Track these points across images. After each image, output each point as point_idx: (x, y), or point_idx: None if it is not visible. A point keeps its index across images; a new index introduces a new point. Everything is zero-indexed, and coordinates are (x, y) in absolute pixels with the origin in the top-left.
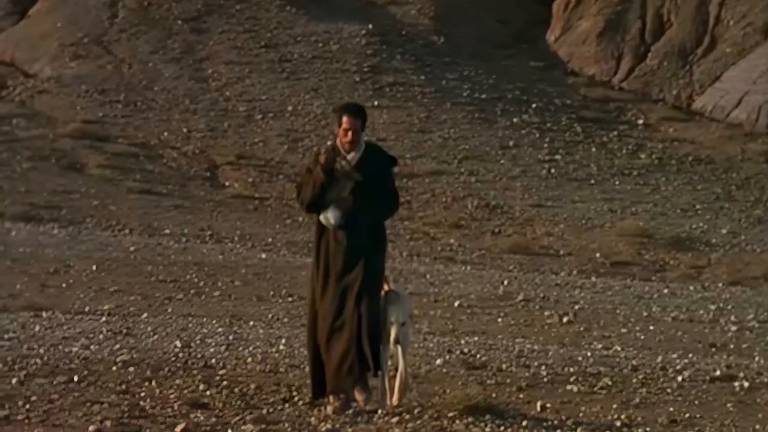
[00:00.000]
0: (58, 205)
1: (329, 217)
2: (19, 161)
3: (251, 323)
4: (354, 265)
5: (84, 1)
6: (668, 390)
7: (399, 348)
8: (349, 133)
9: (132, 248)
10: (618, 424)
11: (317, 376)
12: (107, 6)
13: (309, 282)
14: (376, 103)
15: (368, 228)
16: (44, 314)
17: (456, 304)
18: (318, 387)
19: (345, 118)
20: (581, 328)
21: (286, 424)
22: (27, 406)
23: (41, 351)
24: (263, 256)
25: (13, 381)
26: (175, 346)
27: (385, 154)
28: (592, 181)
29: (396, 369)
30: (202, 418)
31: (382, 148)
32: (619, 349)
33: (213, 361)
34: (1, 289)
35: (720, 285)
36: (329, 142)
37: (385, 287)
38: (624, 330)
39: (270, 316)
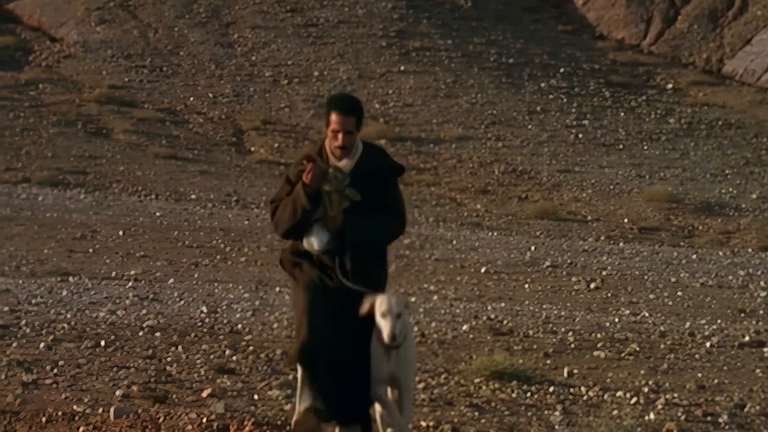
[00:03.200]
0: (84, 171)
1: (312, 240)
2: (46, 126)
3: (277, 289)
4: (345, 302)
5: None
6: (696, 356)
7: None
8: (340, 136)
9: (158, 214)
10: (645, 390)
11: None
12: None
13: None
14: (402, 68)
15: (363, 253)
16: (71, 279)
17: (483, 270)
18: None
19: (333, 116)
20: (609, 294)
21: None
22: (55, 371)
23: (68, 316)
24: None
25: (41, 346)
26: (202, 312)
27: (389, 161)
28: (621, 146)
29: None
30: (228, 383)
31: (384, 152)
32: (646, 315)
33: (239, 326)
34: (29, 254)
35: (749, 250)
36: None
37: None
38: (652, 296)
39: None
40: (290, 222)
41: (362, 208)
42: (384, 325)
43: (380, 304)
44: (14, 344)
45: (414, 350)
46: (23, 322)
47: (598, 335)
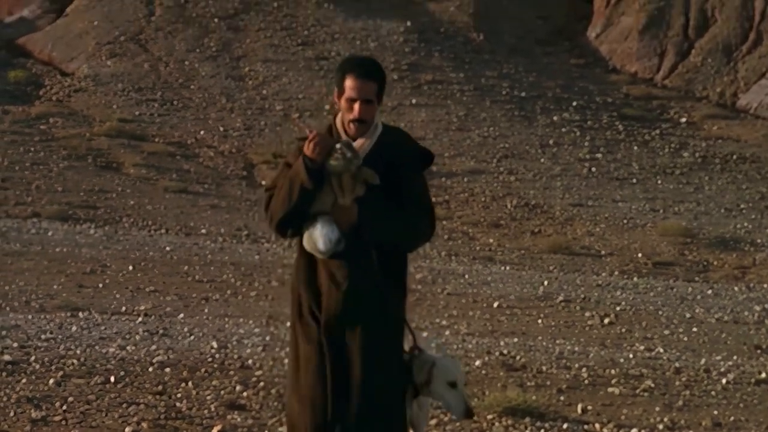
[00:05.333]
0: (94, 205)
1: (317, 237)
2: (56, 161)
3: (288, 324)
4: (357, 316)
5: (121, 0)
6: (712, 393)
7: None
8: (356, 106)
9: (168, 248)
10: (660, 427)
11: None
12: (144, 4)
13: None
14: (414, 101)
15: (381, 259)
16: (81, 314)
17: (495, 304)
18: None
19: (350, 81)
20: (623, 330)
21: None
22: (64, 407)
23: (78, 351)
24: None
25: (50, 382)
26: (212, 347)
27: (414, 146)
28: (634, 180)
29: None
30: (239, 419)
31: (408, 136)
32: (661, 350)
33: (250, 362)
34: (39, 289)
35: (765, 286)
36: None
37: (406, 346)
38: (667, 331)
39: None
40: (285, 207)
41: (380, 201)
42: (454, 402)
43: (443, 370)
44: (23, 380)
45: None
46: (32, 357)
47: (613, 371)
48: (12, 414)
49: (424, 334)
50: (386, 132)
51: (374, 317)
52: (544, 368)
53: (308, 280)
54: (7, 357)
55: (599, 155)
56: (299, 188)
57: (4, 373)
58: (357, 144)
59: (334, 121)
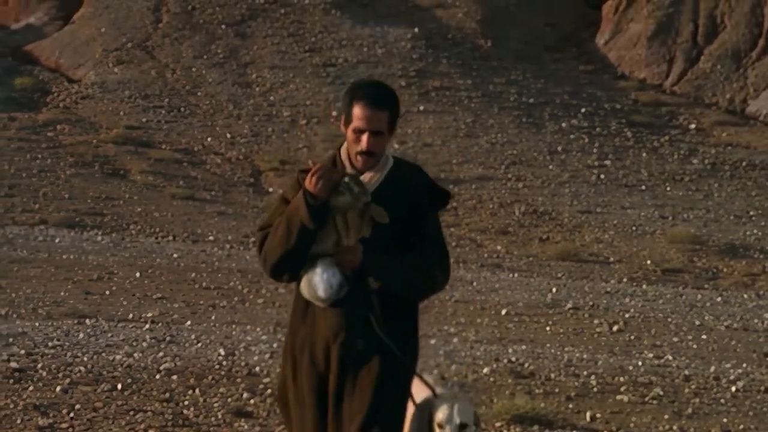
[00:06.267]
0: (101, 212)
1: (317, 283)
2: (63, 168)
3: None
4: (359, 374)
5: (128, 6)
6: (722, 400)
7: None
8: (365, 138)
9: (175, 255)
10: None
11: None
12: (151, 11)
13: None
14: (421, 107)
15: (390, 310)
16: (88, 321)
17: (503, 311)
18: None
19: (359, 110)
20: (632, 337)
21: None
22: (71, 415)
23: (85, 359)
24: None
25: (57, 389)
26: (219, 354)
27: (428, 182)
28: (643, 187)
29: None
30: (246, 426)
31: (422, 171)
32: (670, 358)
33: (257, 369)
34: (46, 296)
35: None
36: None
37: (422, 394)
38: (676, 339)
39: None
40: (282, 248)
41: (387, 244)
42: None
43: (440, 409)
44: (30, 388)
45: None
46: (39, 365)
47: (621, 379)
48: (19, 421)
49: (432, 341)
50: (397, 166)
51: (376, 378)
52: (552, 376)
53: (305, 333)
54: (14, 364)
55: (608, 162)
56: (299, 227)
57: (11, 381)
58: (365, 178)
59: (338, 151)
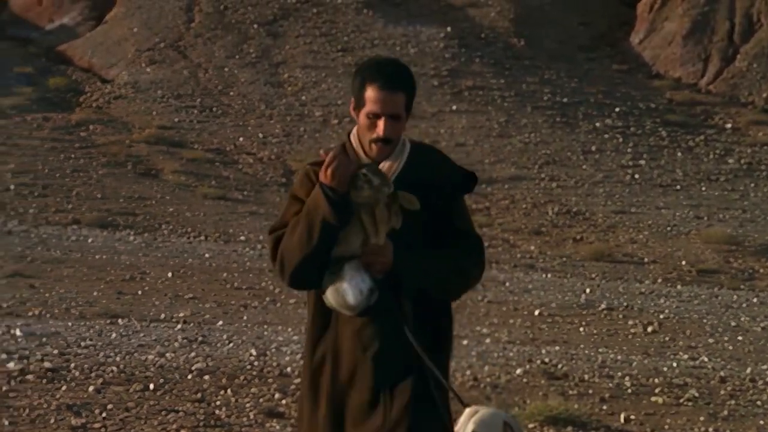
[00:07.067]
0: (133, 212)
1: (346, 290)
2: (96, 167)
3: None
4: (394, 392)
5: (160, 6)
6: (758, 402)
7: None
8: (380, 123)
9: (207, 255)
10: None
11: None
12: (183, 11)
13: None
14: (454, 107)
15: (425, 313)
16: (120, 321)
17: (536, 312)
18: None
19: (372, 92)
20: (666, 338)
21: None
22: (103, 415)
23: (117, 359)
24: None
25: (90, 389)
26: (251, 355)
27: (452, 166)
28: (678, 187)
29: None
30: (277, 427)
31: (443, 155)
32: (706, 359)
33: (289, 369)
34: (78, 297)
35: None
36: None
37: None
38: (711, 340)
39: None
40: (302, 252)
41: (416, 238)
42: None
43: (460, 420)
44: (63, 387)
45: None
46: (72, 365)
47: (656, 380)
48: (52, 421)
49: (465, 342)
50: (416, 151)
51: (413, 398)
52: (586, 377)
53: (327, 346)
54: (47, 364)
55: (642, 162)
56: (320, 225)
57: (44, 380)
58: (385, 167)
59: (348, 138)
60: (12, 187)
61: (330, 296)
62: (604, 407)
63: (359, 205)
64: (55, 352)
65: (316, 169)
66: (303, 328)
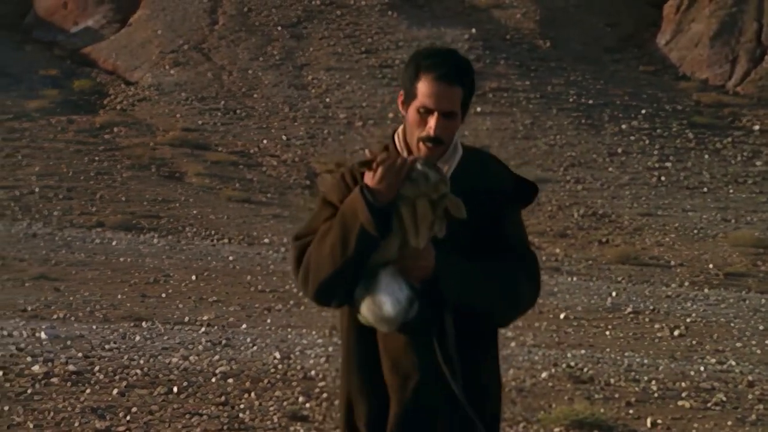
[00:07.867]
0: (157, 215)
1: (382, 301)
2: (120, 170)
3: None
4: (437, 411)
5: (184, 9)
6: None
7: None
8: (432, 120)
9: (231, 258)
10: None
11: None
12: (207, 13)
13: None
14: (479, 109)
15: (469, 332)
16: (144, 324)
17: (562, 316)
18: None
19: (426, 84)
20: (693, 342)
21: None
22: (128, 418)
23: (141, 362)
24: None
25: (114, 392)
26: (275, 358)
27: (509, 174)
28: (705, 189)
29: None
30: (301, 430)
31: (500, 161)
32: (733, 363)
33: (313, 372)
34: (102, 299)
35: None
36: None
37: None
38: (739, 344)
39: None
40: (334, 263)
41: (465, 248)
42: None
43: None
44: (88, 390)
45: None
46: (97, 368)
47: (683, 384)
48: (77, 424)
49: None
50: (468, 156)
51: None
52: (612, 381)
53: (365, 379)
54: (71, 367)
55: (669, 164)
56: (357, 234)
57: (68, 383)
58: None
59: (392, 138)
60: (37, 189)
61: (365, 311)
62: (631, 411)
63: (403, 198)
64: (80, 355)
65: (363, 170)
66: (327, 332)
